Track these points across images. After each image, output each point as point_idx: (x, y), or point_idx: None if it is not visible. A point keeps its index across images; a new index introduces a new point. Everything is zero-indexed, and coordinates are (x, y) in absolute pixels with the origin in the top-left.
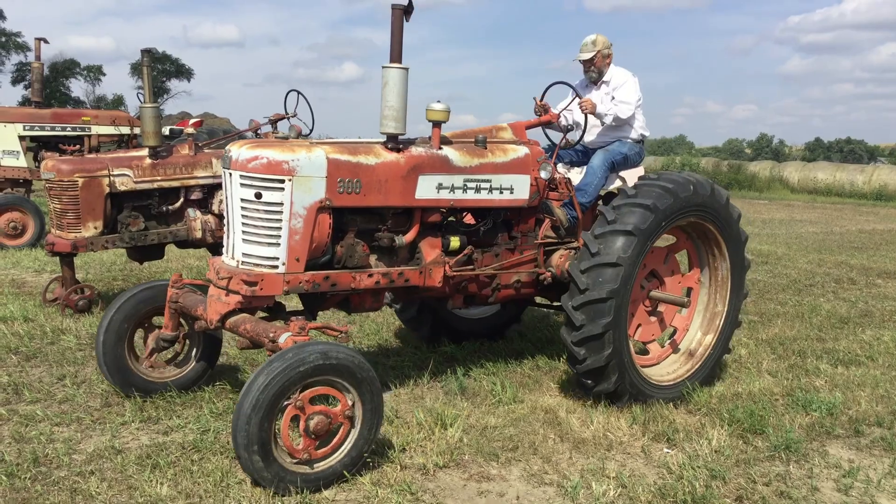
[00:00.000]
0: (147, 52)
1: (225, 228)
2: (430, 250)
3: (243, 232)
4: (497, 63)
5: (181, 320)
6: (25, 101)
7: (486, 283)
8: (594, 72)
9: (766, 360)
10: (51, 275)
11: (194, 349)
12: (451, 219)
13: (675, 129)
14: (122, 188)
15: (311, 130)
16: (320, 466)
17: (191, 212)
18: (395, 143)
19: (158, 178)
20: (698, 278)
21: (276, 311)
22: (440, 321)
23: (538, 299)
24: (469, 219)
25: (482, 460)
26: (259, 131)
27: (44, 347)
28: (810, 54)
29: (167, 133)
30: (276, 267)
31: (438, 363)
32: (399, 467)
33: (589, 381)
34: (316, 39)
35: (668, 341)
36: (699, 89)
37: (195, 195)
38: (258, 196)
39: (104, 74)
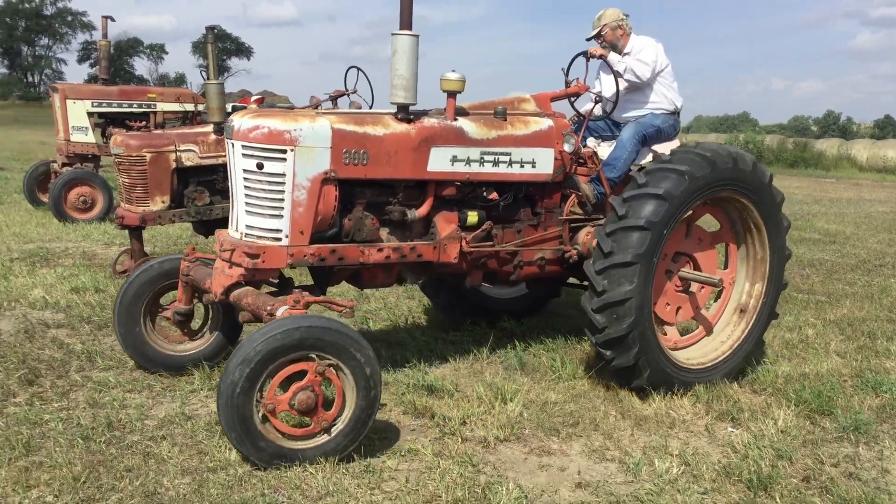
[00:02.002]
0: (211, 30)
1: (230, 200)
2: (445, 225)
3: (246, 204)
4: (556, 38)
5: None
6: (92, 79)
7: (507, 260)
8: (606, 47)
9: (835, 341)
10: (119, 247)
11: (212, 321)
12: (469, 193)
13: (738, 106)
14: (188, 163)
15: (371, 107)
16: (342, 420)
17: None
18: (405, 113)
19: (223, 153)
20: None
21: (284, 287)
22: (473, 304)
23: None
24: (493, 194)
25: (543, 435)
26: (319, 108)
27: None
28: (880, 28)
29: (230, 110)
30: (280, 239)
31: (497, 339)
32: (460, 439)
33: (621, 378)
34: (373, 16)
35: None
36: (764, 65)
37: None
38: (260, 167)
39: (166, 53)
